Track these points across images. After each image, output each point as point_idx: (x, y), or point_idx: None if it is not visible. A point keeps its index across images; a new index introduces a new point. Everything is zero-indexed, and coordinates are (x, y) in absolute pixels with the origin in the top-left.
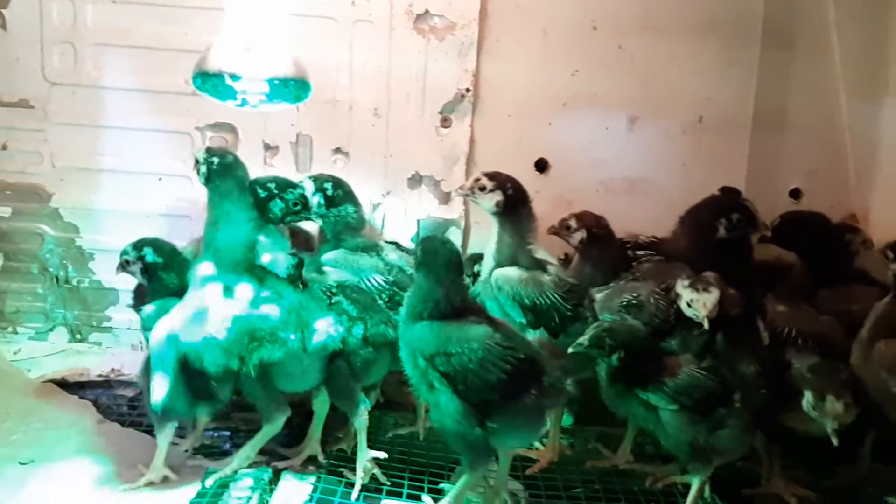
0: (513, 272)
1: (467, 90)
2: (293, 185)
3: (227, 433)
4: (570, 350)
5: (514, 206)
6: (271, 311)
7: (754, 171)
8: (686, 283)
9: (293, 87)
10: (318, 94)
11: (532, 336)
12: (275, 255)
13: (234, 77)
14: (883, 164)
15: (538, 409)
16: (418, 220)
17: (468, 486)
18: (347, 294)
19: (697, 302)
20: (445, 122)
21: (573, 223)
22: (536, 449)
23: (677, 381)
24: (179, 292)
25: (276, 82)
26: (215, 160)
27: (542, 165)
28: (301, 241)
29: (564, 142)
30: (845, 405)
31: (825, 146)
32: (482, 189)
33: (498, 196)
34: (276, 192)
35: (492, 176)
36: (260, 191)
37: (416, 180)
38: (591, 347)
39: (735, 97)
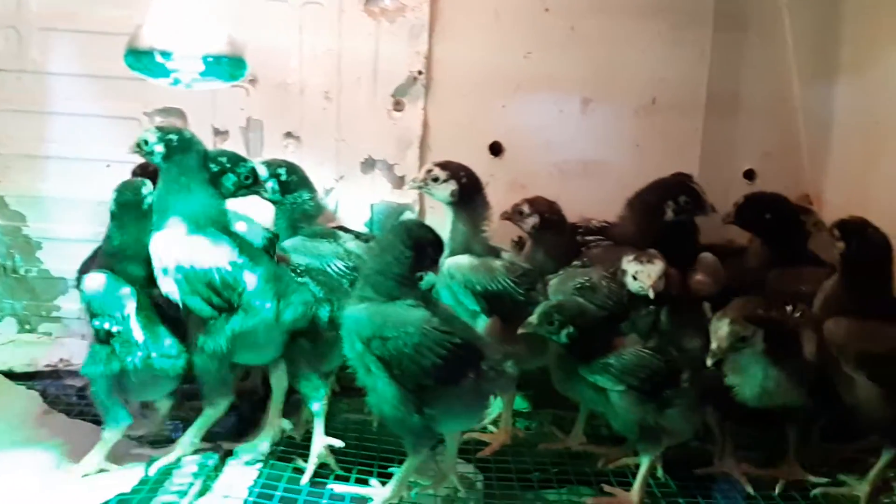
0: (464, 259)
1: (419, 73)
2: (244, 160)
3: (177, 422)
4: (519, 331)
5: (469, 194)
6: (248, 277)
7: (708, 152)
8: (630, 257)
9: (227, 65)
10: (269, 77)
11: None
12: (251, 227)
13: (165, 54)
14: (835, 145)
15: (477, 393)
16: (372, 205)
17: (412, 468)
18: (314, 276)
19: (642, 273)
20: (398, 106)
21: (526, 208)
22: (489, 433)
23: (623, 361)
24: None
25: (210, 60)
26: (173, 136)
27: (496, 149)
28: None
29: (518, 125)
30: (731, 330)
31: (778, 127)
32: (435, 179)
33: (452, 185)
34: (228, 166)
35: (444, 165)
36: (212, 165)
37: (369, 164)
38: (539, 325)
39: (688, 78)
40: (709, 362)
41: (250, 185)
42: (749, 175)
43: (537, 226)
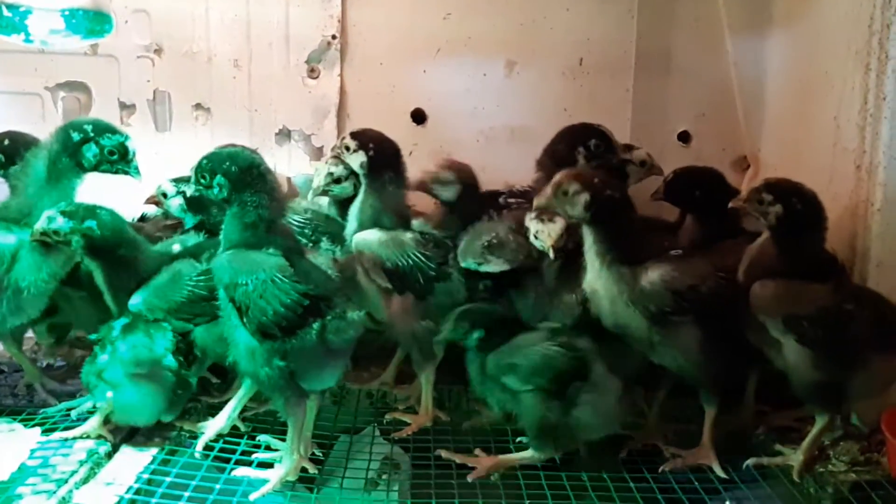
0: (372, 235)
1: (333, 37)
2: (114, 131)
3: None
4: (434, 343)
5: (378, 166)
6: None
7: (640, 114)
8: (532, 215)
9: (85, 20)
10: (174, 46)
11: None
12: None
13: (11, 7)
14: (770, 103)
15: (325, 346)
16: (289, 178)
17: (297, 430)
18: None
19: (542, 233)
20: (313, 73)
21: (449, 176)
22: (411, 413)
23: (531, 360)
24: None
25: (67, 14)
26: None
27: (418, 116)
28: None
29: (441, 90)
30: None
31: (712, 86)
32: (347, 149)
33: (361, 157)
34: (91, 135)
35: (356, 134)
36: (74, 133)
37: (284, 135)
38: (452, 333)
39: (616, 38)
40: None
41: (115, 160)
42: (684, 137)
43: (460, 193)
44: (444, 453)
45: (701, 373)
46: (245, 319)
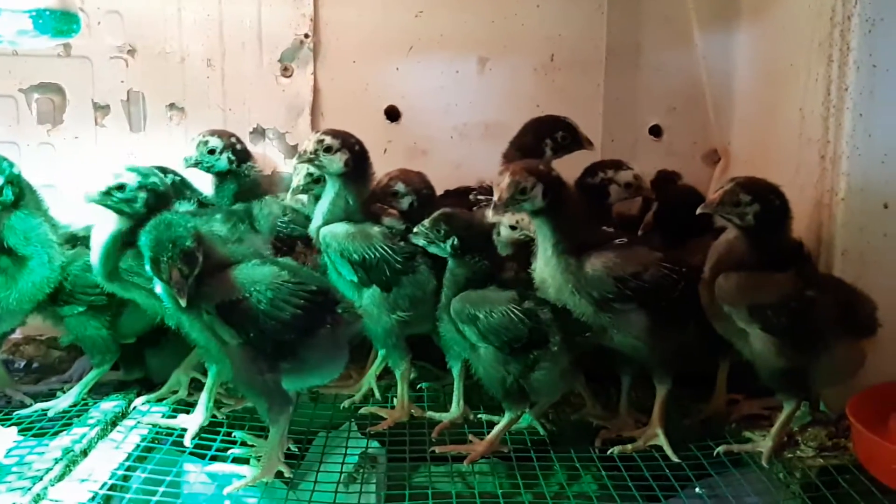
0: (339, 227)
1: (306, 36)
2: None
3: None
4: (410, 237)
5: (361, 163)
6: None
7: (611, 109)
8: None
9: (52, 20)
10: (147, 46)
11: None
12: None
13: None
14: (739, 95)
15: (335, 340)
16: (273, 171)
17: (280, 436)
18: None
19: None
20: (286, 71)
21: (400, 187)
22: (389, 407)
23: (491, 320)
24: None
25: (34, 14)
26: None
27: (392, 113)
28: None
29: (414, 88)
30: (511, 181)
31: (682, 80)
32: (328, 149)
33: (345, 155)
34: None
35: (334, 134)
36: None
37: (259, 133)
38: (429, 230)
39: (586, 33)
40: (491, 216)
41: None
42: (655, 131)
43: (414, 204)
44: (438, 449)
45: (652, 355)
46: (253, 334)
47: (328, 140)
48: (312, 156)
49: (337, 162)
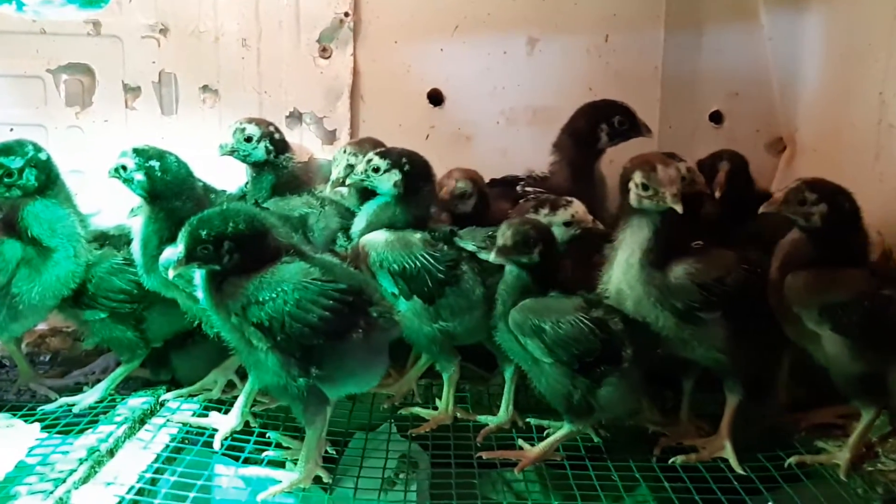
0: (378, 235)
1: (346, 14)
2: (12, 152)
3: None
4: (492, 257)
5: (416, 183)
6: None
7: (669, 93)
8: (545, 209)
9: None
10: (180, 25)
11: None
12: None
13: None
14: (807, 80)
15: (369, 345)
16: (311, 157)
17: (318, 438)
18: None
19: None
20: (325, 52)
21: (467, 186)
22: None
23: (559, 331)
24: None
25: None
26: None
27: (435, 97)
28: None
29: (459, 70)
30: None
31: (745, 63)
32: (376, 170)
33: (394, 176)
34: None
35: (384, 153)
36: None
37: (295, 118)
38: (514, 247)
39: (643, 12)
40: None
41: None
42: (716, 118)
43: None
44: (486, 455)
45: (732, 365)
46: (280, 338)
47: (376, 160)
48: (363, 176)
49: (387, 182)
